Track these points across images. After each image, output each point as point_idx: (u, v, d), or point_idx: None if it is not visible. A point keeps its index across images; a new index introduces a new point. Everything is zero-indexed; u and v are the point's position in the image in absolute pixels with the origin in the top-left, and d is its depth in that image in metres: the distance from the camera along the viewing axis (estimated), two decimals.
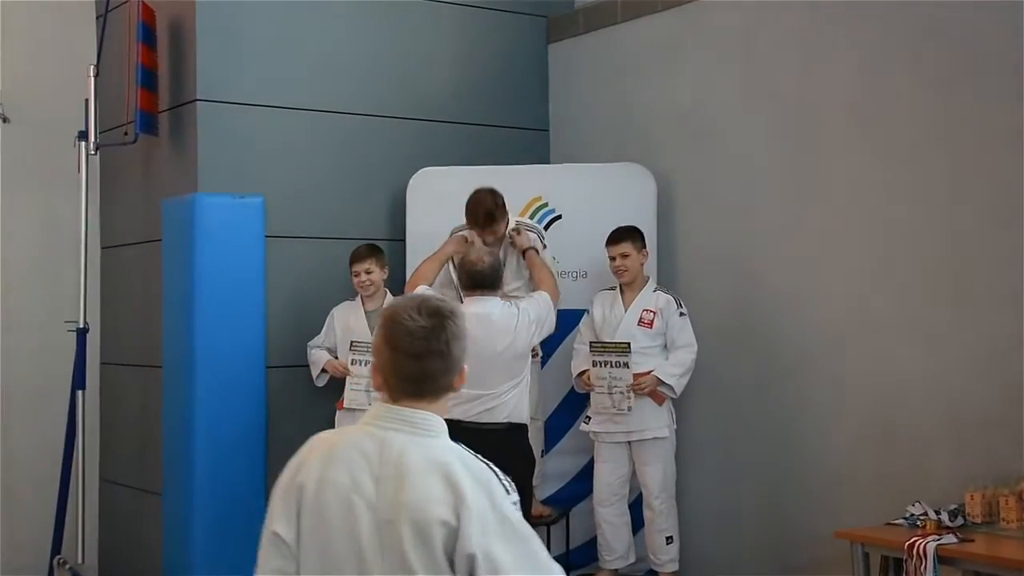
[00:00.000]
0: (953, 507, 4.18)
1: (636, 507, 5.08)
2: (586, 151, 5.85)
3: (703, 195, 5.40)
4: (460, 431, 3.99)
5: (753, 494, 5.14)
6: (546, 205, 5.49)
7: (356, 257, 5.10)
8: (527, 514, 4.21)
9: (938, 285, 4.51)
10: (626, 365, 4.82)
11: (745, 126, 5.22)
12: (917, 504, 4.25)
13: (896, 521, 4.25)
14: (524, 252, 4.84)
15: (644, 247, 4.99)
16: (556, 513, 5.15)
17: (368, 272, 5.06)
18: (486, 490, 2.10)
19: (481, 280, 4.39)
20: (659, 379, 4.86)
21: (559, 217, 5.47)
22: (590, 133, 5.92)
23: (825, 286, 4.89)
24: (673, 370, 4.89)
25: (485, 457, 3.95)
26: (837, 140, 4.86)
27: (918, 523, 4.15)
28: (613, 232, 4.95)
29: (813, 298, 4.93)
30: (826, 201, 4.90)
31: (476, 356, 3.92)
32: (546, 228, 5.36)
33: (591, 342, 4.95)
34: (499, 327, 4.32)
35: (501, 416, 4.29)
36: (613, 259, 4.92)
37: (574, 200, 5.45)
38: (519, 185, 5.21)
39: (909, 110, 4.60)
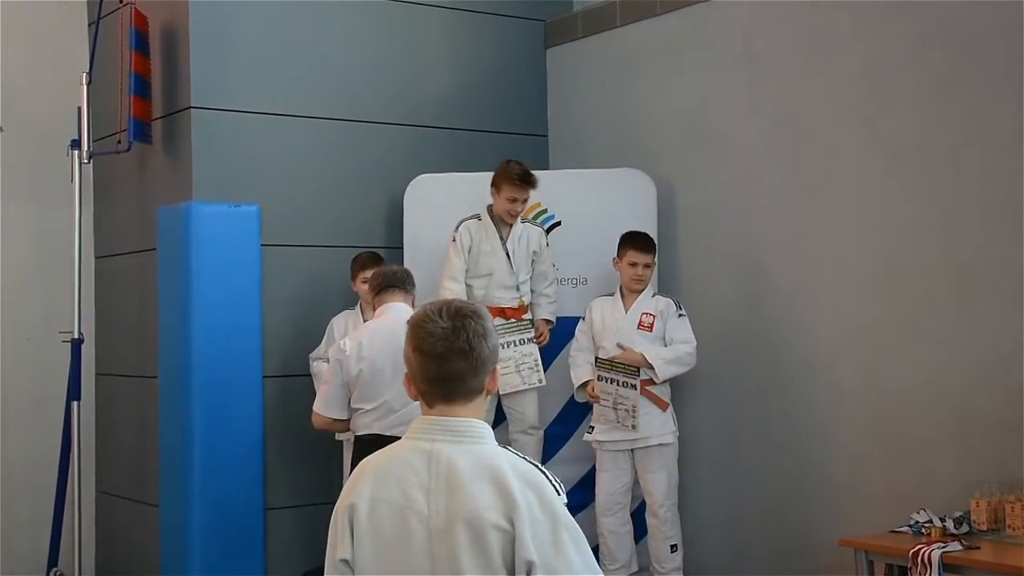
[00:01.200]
0: (958, 514, 4.17)
1: (638, 515, 5.07)
2: (585, 156, 5.85)
3: (704, 200, 5.40)
4: (380, 445, 3.96)
5: (756, 501, 5.14)
6: (545, 211, 5.48)
7: (362, 264, 5.08)
8: None
9: (942, 290, 4.51)
10: (634, 387, 4.84)
11: (747, 130, 5.21)
12: (922, 511, 4.24)
13: (901, 528, 4.26)
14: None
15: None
16: None
17: (364, 282, 5.00)
18: (536, 492, 2.11)
19: (393, 280, 4.31)
20: (644, 358, 4.84)
21: (559, 223, 5.47)
22: (589, 138, 5.91)
23: (828, 291, 4.88)
24: (663, 354, 4.87)
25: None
26: (840, 143, 4.85)
27: (923, 530, 4.15)
28: (641, 238, 4.94)
29: (816, 303, 4.92)
30: (829, 205, 4.89)
31: (391, 365, 4.04)
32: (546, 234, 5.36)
33: (597, 357, 4.95)
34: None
35: None
36: (634, 265, 4.90)
37: (574, 206, 5.45)
38: None
39: (912, 112, 4.60)
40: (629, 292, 5.00)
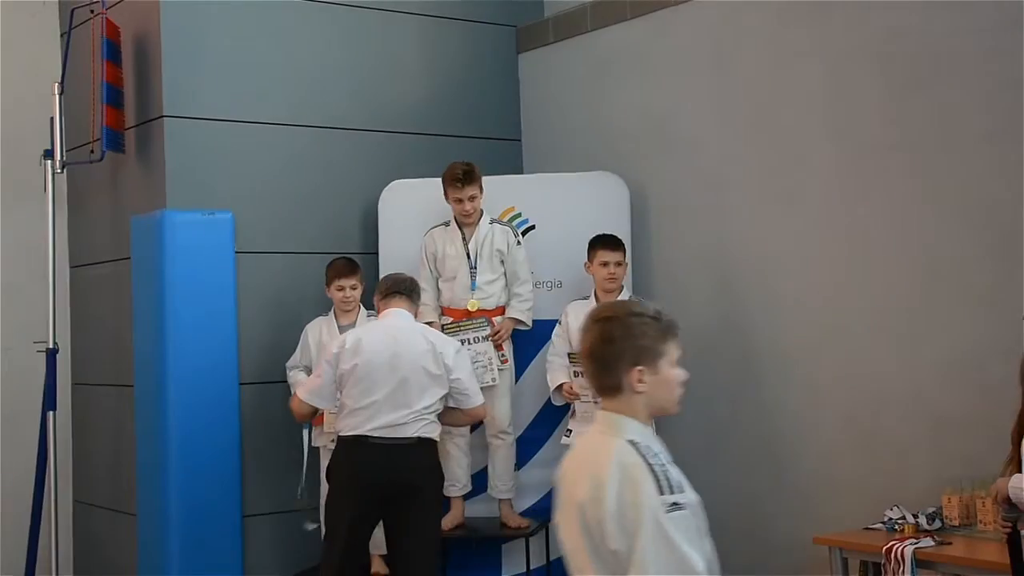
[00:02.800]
0: (931, 510, 4.19)
1: None
2: (559, 160, 5.86)
3: (676, 203, 5.41)
4: (369, 446, 4.23)
5: (731, 500, 5.10)
6: (520, 215, 5.48)
7: (341, 272, 5.07)
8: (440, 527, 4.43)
9: (912, 288, 4.52)
10: None
11: (717, 133, 5.22)
12: (895, 508, 4.26)
13: (874, 525, 4.28)
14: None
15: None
16: (535, 525, 5.15)
17: (353, 288, 5.06)
18: (633, 488, 2.21)
19: (401, 287, 4.41)
20: None
21: (533, 227, 5.47)
22: (562, 142, 5.92)
23: (800, 291, 4.90)
24: None
25: (393, 472, 4.07)
26: (809, 145, 4.88)
27: (896, 527, 4.17)
28: (609, 238, 4.96)
29: (788, 303, 4.94)
30: (799, 207, 4.91)
31: (387, 363, 4.21)
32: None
33: (570, 354, 4.95)
34: (415, 336, 4.34)
35: (409, 432, 4.26)
36: (605, 265, 4.90)
37: (548, 210, 5.45)
38: (492, 195, 5.20)
39: (879, 114, 4.63)
40: (604, 294, 4.98)
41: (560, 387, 5.00)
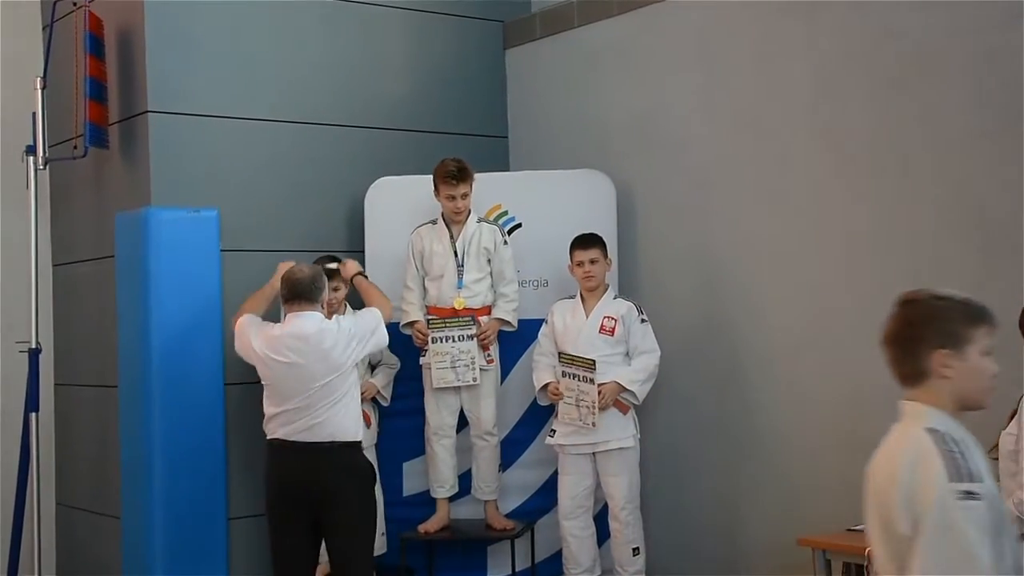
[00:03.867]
0: None
1: (601, 519, 5.10)
2: (545, 158, 5.87)
3: (663, 201, 5.43)
4: (286, 450, 4.37)
5: (715, 501, 5.17)
6: (506, 213, 5.51)
7: (332, 274, 5.02)
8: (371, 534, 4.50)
9: (897, 289, 4.15)
10: (591, 381, 4.84)
11: (704, 131, 5.24)
12: None
13: (858, 527, 4.20)
14: (353, 279, 4.96)
15: (608, 255, 5.06)
16: (520, 526, 5.20)
17: (335, 290, 5.02)
18: (924, 471, 2.16)
19: (300, 290, 4.41)
20: (620, 385, 4.89)
21: (519, 225, 5.50)
22: (549, 139, 5.93)
23: (785, 291, 4.92)
24: (636, 376, 4.91)
25: (313, 474, 4.31)
26: (795, 144, 4.89)
27: None
28: (582, 236, 5.00)
29: (774, 303, 4.96)
30: (785, 206, 4.93)
31: (292, 376, 4.34)
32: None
33: (560, 353, 4.98)
34: (312, 346, 4.36)
35: (324, 434, 4.32)
36: (581, 264, 4.94)
37: (534, 207, 5.48)
38: (478, 193, 5.21)
39: (866, 113, 4.64)
40: (588, 293, 5.02)
41: (546, 387, 5.03)
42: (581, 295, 5.06)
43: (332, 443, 4.32)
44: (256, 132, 5.42)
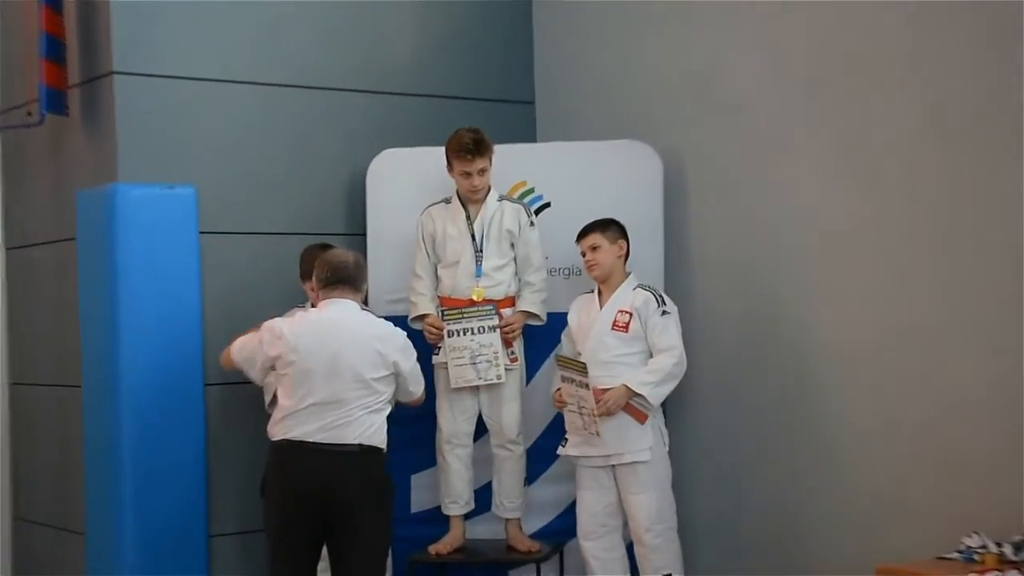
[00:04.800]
0: (1018, 538, 4.17)
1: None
2: (579, 127, 5.83)
3: (719, 177, 5.38)
4: (302, 452, 4.34)
5: (778, 527, 5.14)
6: (532, 191, 5.48)
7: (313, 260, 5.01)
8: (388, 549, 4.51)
9: (1006, 283, 4.40)
10: (586, 386, 4.84)
11: (771, 93, 5.17)
12: (974, 535, 4.25)
13: (949, 555, 4.27)
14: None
15: (620, 237, 5.03)
16: (547, 549, 5.18)
17: None
18: None
19: (343, 274, 4.48)
20: (629, 389, 4.84)
21: (548, 205, 5.47)
22: (584, 105, 5.88)
23: (868, 284, 4.85)
24: (647, 377, 4.87)
25: (331, 483, 4.31)
26: (884, 107, 4.78)
27: (975, 557, 4.15)
28: (582, 228, 5.07)
29: (853, 298, 4.90)
30: (870, 182, 4.84)
31: (328, 363, 4.33)
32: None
33: (557, 356, 5.03)
34: (358, 334, 4.43)
35: (351, 436, 4.34)
36: (582, 255, 5.02)
37: (565, 185, 5.45)
38: (500, 168, 5.19)
39: (974, 68, 4.48)
40: (603, 286, 5.05)
41: (558, 391, 5.03)
42: (598, 287, 5.07)
43: (360, 447, 4.33)
44: (240, 97, 5.41)
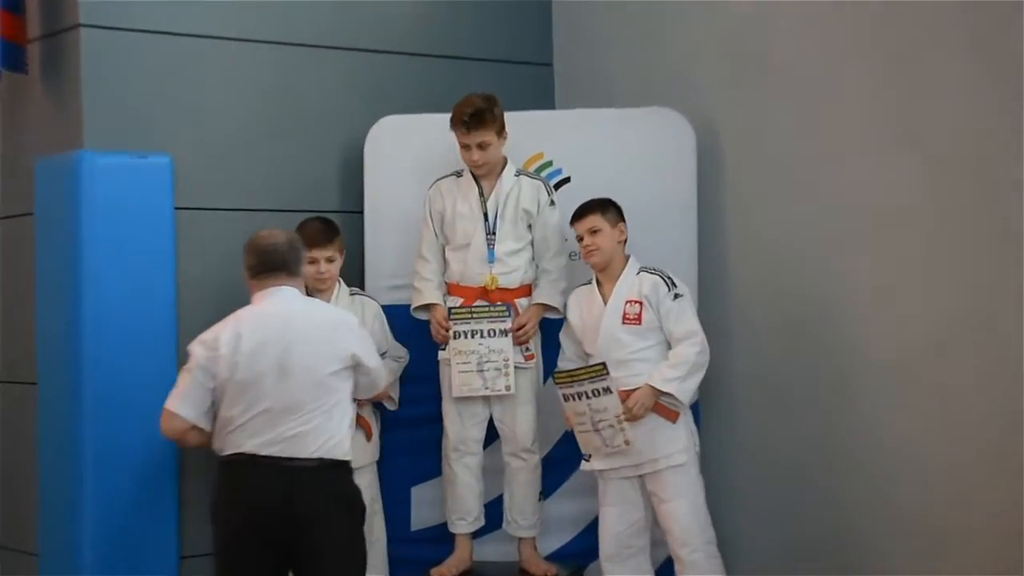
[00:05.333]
0: None
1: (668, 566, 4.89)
2: (602, 92, 5.73)
3: (760, 149, 5.26)
4: (257, 469, 4.13)
5: (824, 544, 5.03)
6: (550, 164, 5.32)
7: (314, 239, 4.92)
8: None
9: None
10: (607, 391, 4.66)
11: (817, 56, 5.06)
12: None
13: None
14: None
15: (620, 220, 4.88)
16: (565, 573, 5.06)
17: (330, 260, 4.93)
18: None
19: (275, 259, 4.27)
20: (655, 389, 4.68)
21: (567, 180, 5.30)
22: (607, 68, 5.78)
23: (929, 272, 4.73)
24: (671, 373, 4.70)
25: (290, 504, 4.09)
26: (946, 69, 4.65)
27: None
28: (576, 208, 4.92)
29: (911, 286, 4.78)
30: (934, 158, 4.69)
31: (274, 365, 4.12)
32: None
33: (555, 374, 4.85)
34: (306, 323, 4.22)
35: (310, 449, 4.09)
36: (580, 240, 4.87)
37: (586, 157, 5.31)
38: (514, 138, 5.02)
39: None
40: (602, 275, 4.89)
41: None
42: (596, 278, 4.92)
43: (321, 461, 4.11)
44: (222, 55, 5.26)
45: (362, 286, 5.24)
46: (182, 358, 4.88)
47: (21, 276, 5.14)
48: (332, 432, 4.15)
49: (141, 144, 4.96)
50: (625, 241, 4.86)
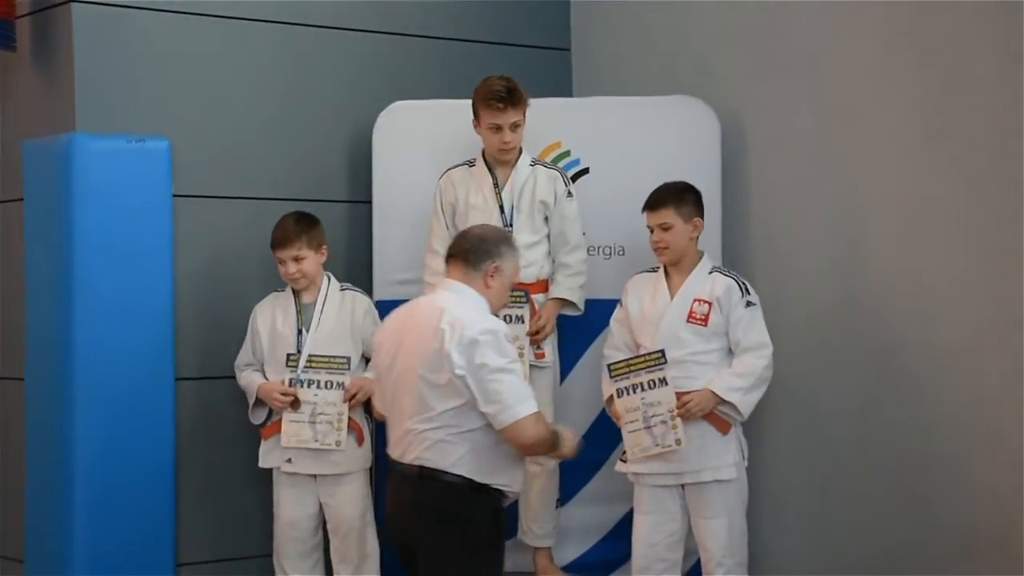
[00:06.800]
0: None
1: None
2: (623, 79, 5.72)
3: (786, 141, 5.21)
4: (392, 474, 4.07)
5: (859, 556, 4.95)
6: (568, 154, 5.26)
7: (278, 240, 4.85)
8: None
9: None
10: (663, 382, 4.58)
11: (845, 46, 5.02)
12: None
13: None
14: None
15: (697, 214, 4.75)
16: None
17: (297, 260, 4.79)
18: None
19: (456, 247, 4.03)
20: (715, 395, 4.59)
21: (586, 171, 5.25)
22: (628, 54, 5.75)
23: (963, 271, 4.68)
24: (736, 382, 4.60)
25: (399, 511, 4.01)
26: (981, 60, 4.58)
27: None
28: (652, 195, 4.78)
29: (945, 288, 4.73)
30: (964, 153, 4.65)
31: (393, 372, 3.97)
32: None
33: (608, 364, 4.75)
34: (424, 325, 3.90)
35: (410, 454, 3.84)
36: (651, 231, 4.74)
37: (606, 147, 5.27)
38: (531, 125, 4.93)
39: None
40: (671, 267, 4.78)
41: (612, 398, 4.81)
42: (665, 268, 4.80)
43: (420, 469, 3.83)
44: (224, 34, 5.22)
45: (369, 280, 5.18)
46: (180, 353, 4.92)
47: (10, 265, 5.11)
48: (428, 438, 3.96)
49: (137, 127, 4.90)
50: (699, 235, 4.79)
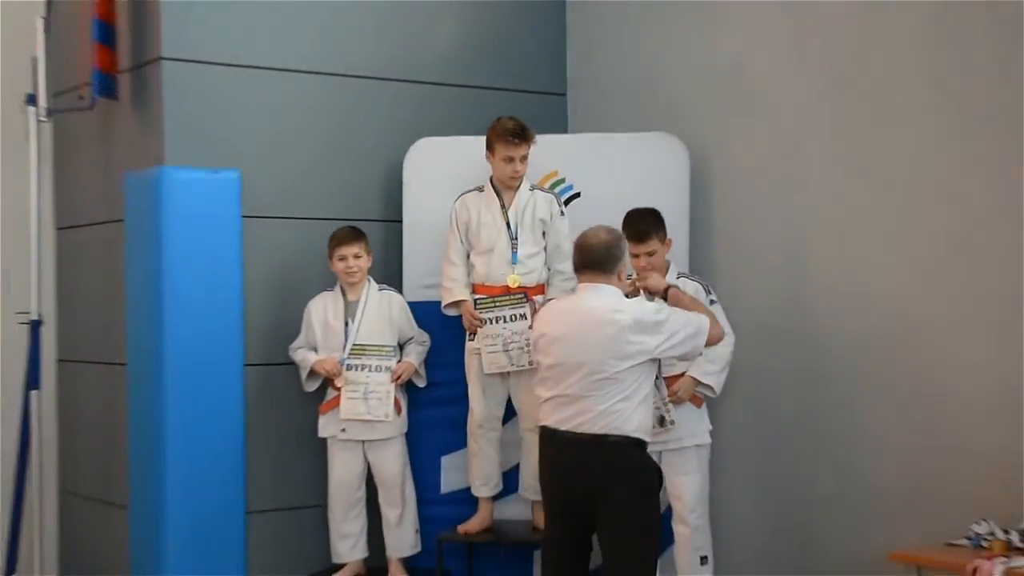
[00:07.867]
0: None
1: (664, 523, 4.84)
2: (610, 118, 5.86)
3: (744, 170, 5.38)
4: (557, 441, 4.25)
5: (796, 511, 5.17)
6: (563, 181, 5.51)
7: (342, 240, 5.16)
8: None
9: (1015, 279, 4.41)
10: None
11: (793, 89, 5.18)
12: (982, 522, 4.30)
13: (959, 542, 4.32)
14: (666, 293, 4.64)
15: (666, 234, 4.97)
16: None
17: (357, 257, 5.15)
18: None
19: (589, 258, 4.29)
20: (695, 380, 4.92)
21: (578, 195, 5.50)
22: (614, 98, 5.90)
23: (883, 277, 4.87)
24: (710, 367, 4.91)
25: (577, 473, 4.21)
26: (903, 104, 4.78)
27: (983, 543, 4.21)
28: (633, 224, 4.90)
29: (869, 291, 4.91)
30: (887, 178, 4.84)
31: (575, 363, 4.18)
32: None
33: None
34: (592, 319, 4.23)
35: (591, 425, 4.16)
36: (637, 257, 4.87)
37: (595, 175, 5.47)
38: (533, 157, 5.20)
39: (989, 67, 4.49)
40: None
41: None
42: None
43: (604, 436, 4.15)
44: (283, 84, 5.44)
45: (400, 284, 5.39)
46: (249, 347, 5.18)
47: (114, 273, 5.34)
48: (612, 413, 4.19)
49: (214, 161, 5.14)
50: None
